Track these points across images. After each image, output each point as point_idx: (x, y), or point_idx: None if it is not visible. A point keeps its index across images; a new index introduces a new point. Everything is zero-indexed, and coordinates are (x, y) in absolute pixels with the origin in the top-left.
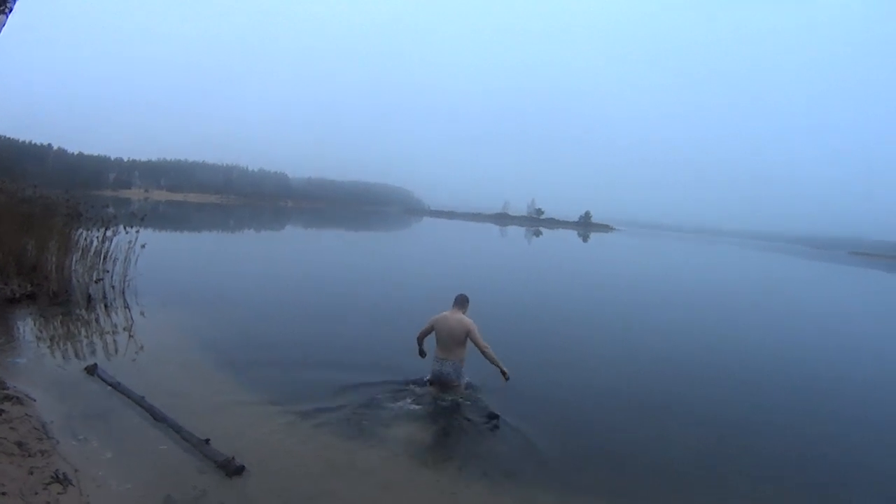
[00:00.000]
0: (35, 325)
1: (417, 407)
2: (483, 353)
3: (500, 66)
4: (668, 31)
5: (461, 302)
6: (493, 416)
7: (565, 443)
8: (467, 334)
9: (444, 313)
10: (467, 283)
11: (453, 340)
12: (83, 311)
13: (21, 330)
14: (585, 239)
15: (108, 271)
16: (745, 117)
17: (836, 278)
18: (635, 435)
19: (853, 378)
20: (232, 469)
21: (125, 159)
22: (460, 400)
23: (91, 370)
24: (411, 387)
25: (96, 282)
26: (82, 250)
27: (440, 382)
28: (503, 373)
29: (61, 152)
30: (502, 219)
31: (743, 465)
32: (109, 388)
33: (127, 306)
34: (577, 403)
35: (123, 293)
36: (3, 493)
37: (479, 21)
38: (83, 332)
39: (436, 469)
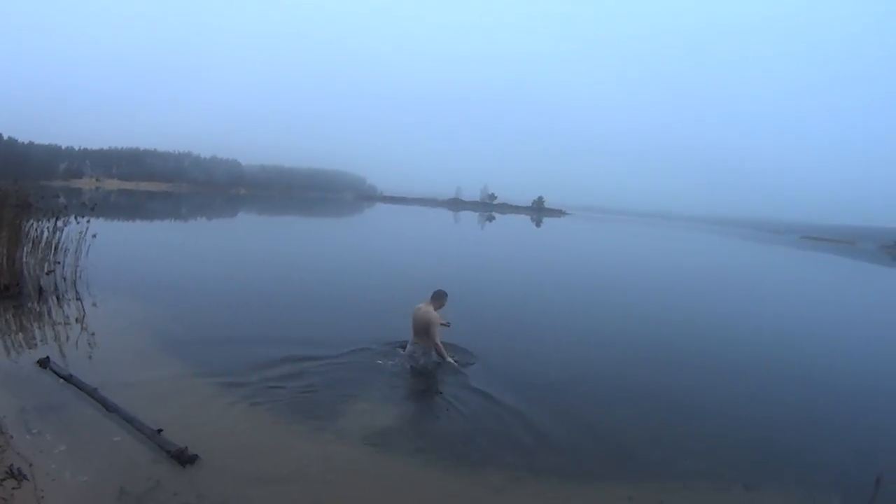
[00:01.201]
0: None
1: (376, 386)
2: (434, 347)
3: (449, 54)
4: (626, 22)
5: (436, 297)
6: (452, 397)
7: (518, 425)
8: (428, 328)
9: (420, 305)
10: (423, 268)
11: (420, 329)
12: (35, 304)
13: None
14: (538, 224)
15: (59, 262)
16: (702, 107)
17: (787, 262)
18: (591, 415)
19: (806, 360)
20: (185, 459)
21: (76, 148)
22: (423, 383)
23: (44, 363)
24: (368, 363)
25: (47, 273)
26: (33, 242)
27: (409, 362)
28: (449, 363)
29: (11, 142)
30: (456, 204)
31: (697, 445)
32: (62, 380)
33: (79, 297)
34: (532, 386)
35: (75, 284)
36: None
37: (433, 8)
38: (35, 325)
39: (395, 449)
